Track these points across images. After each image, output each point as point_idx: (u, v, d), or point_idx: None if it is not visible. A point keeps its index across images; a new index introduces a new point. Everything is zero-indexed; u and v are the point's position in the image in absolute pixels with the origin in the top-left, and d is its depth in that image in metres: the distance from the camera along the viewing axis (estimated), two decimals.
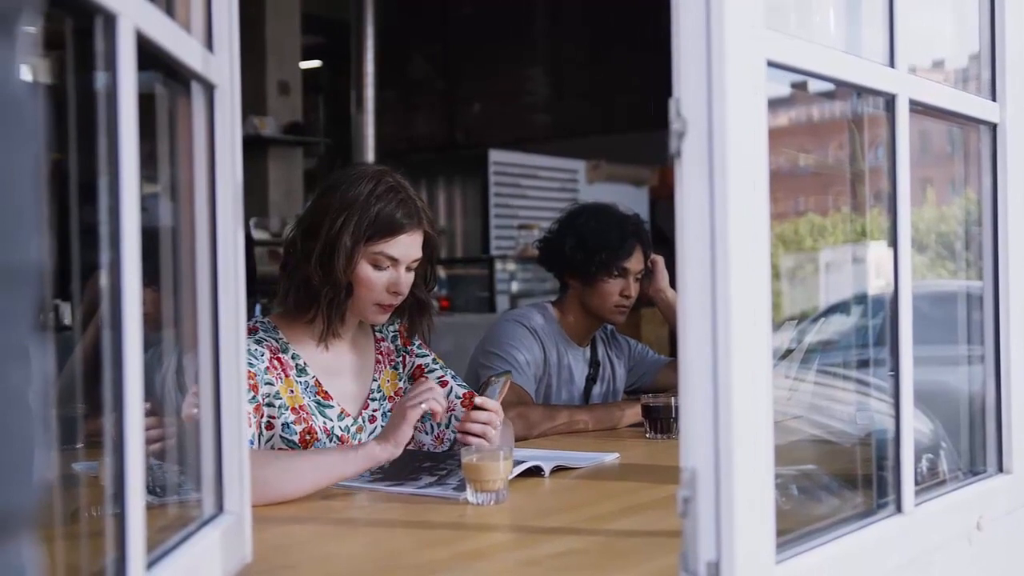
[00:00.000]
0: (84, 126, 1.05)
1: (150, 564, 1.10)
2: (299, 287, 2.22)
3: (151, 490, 1.27)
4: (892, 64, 1.53)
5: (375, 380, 2.37)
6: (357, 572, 1.56)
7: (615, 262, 3.01)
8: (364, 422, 2.31)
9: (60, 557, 1.17)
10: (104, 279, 1.02)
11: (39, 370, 0.60)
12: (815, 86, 1.58)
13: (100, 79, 1.03)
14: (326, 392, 2.26)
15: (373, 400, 2.35)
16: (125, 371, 1.02)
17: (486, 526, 1.78)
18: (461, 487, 1.93)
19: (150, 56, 1.12)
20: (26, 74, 0.59)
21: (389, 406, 2.35)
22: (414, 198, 2.25)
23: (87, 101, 1.05)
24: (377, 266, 2.21)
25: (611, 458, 2.37)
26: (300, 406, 2.20)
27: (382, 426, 2.30)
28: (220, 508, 1.38)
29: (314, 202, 2.26)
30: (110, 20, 1.00)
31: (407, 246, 2.22)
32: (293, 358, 2.24)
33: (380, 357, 2.40)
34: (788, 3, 1.62)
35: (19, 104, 0.57)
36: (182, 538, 1.25)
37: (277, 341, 2.23)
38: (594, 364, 3.17)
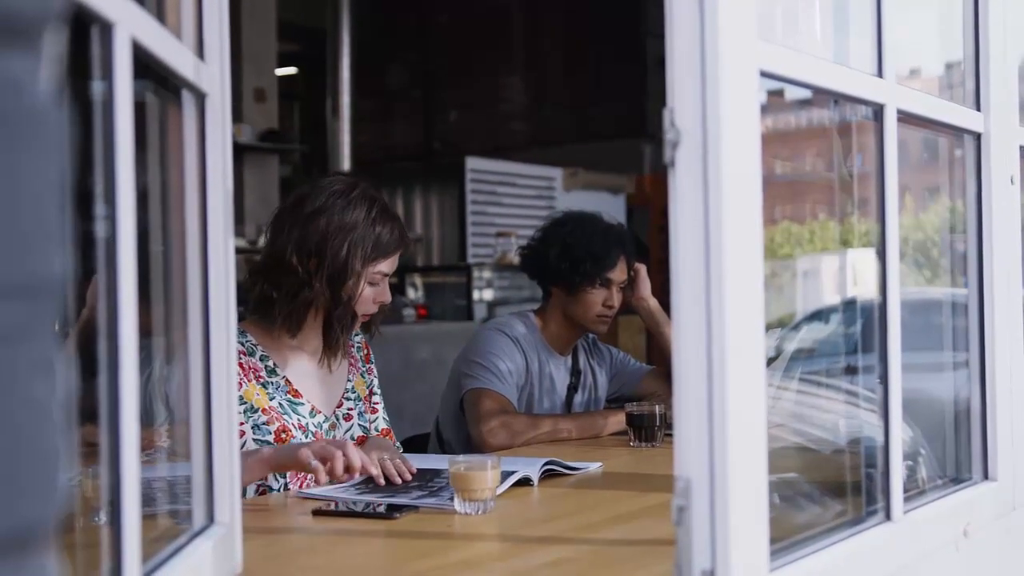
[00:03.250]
0: (78, 134, 1.04)
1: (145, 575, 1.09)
2: (303, 308, 2.28)
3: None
4: (880, 74, 1.53)
5: (349, 381, 2.45)
6: None
7: (599, 273, 3.01)
8: (339, 419, 2.39)
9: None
10: (100, 288, 1.01)
11: (61, 382, 0.59)
12: (791, 94, 1.59)
13: (95, 87, 1.02)
14: (296, 391, 2.32)
15: (348, 399, 2.43)
16: (120, 381, 1.01)
17: (475, 536, 1.78)
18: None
19: (142, 64, 1.11)
20: (50, 85, 0.59)
21: (363, 407, 2.46)
22: (397, 215, 2.39)
23: (81, 109, 1.04)
24: (372, 283, 2.32)
25: (595, 467, 2.37)
26: (270, 407, 2.26)
27: (359, 424, 2.43)
28: (211, 519, 1.37)
29: (304, 224, 2.27)
30: (107, 29, 0.99)
31: (396, 261, 2.36)
32: (262, 360, 2.30)
33: (352, 360, 2.48)
34: (775, 13, 1.63)
35: (45, 116, 0.57)
36: (174, 549, 1.24)
37: (243, 344, 2.26)
38: (575, 373, 3.17)
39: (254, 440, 2.21)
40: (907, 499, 1.58)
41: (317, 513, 1.89)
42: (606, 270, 3.02)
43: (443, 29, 10.29)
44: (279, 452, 2.03)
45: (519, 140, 9.81)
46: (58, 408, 0.59)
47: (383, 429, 2.46)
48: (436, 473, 2.19)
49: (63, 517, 1.31)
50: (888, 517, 1.53)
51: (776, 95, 1.52)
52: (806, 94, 1.60)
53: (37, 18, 0.57)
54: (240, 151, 7.45)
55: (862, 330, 1.81)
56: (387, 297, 2.35)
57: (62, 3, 0.60)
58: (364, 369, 2.52)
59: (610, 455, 2.57)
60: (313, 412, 2.32)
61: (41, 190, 0.56)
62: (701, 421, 1.17)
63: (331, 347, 2.33)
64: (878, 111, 1.54)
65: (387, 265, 2.32)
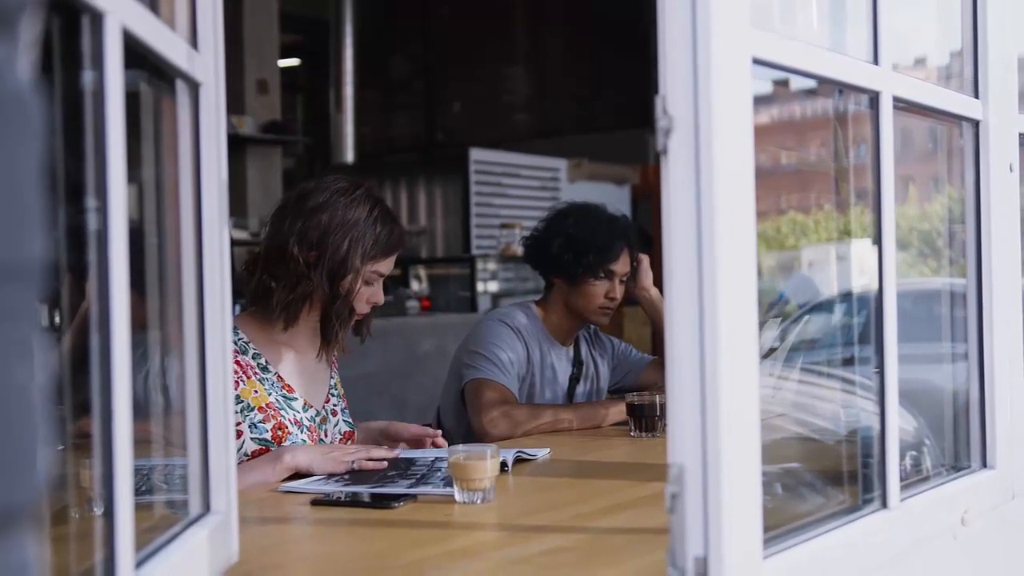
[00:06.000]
0: (68, 124, 1.04)
1: (138, 563, 1.09)
2: (300, 300, 2.30)
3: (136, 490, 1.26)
4: (876, 61, 1.53)
5: (332, 378, 2.50)
6: (345, 572, 1.56)
7: (602, 264, 3.00)
8: (328, 414, 2.43)
9: (47, 558, 1.16)
10: (91, 280, 1.02)
11: (41, 365, 0.60)
12: (797, 84, 1.59)
13: (86, 77, 1.03)
14: (289, 386, 2.35)
15: (333, 395, 2.47)
16: (113, 372, 1.01)
17: (473, 525, 1.78)
18: (449, 483, 1.92)
19: (135, 54, 1.12)
20: (27, 71, 0.59)
21: (344, 404, 2.50)
22: (397, 218, 2.42)
23: (72, 99, 1.04)
24: (367, 282, 2.34)
25: (544, 453, 2.40)
26: (267, 404, 2.28)
27: (344, 420, 2.47)
28: (207, 508, 1.38)
29: (306, 218, 2.29)
30: (97, 18, 0.99)
31: (392, 263, 2.39)
32: (254, 357, 2.32)
33: (333, 360, 2.52)
34: (771, 1, 1.63)
35: (22, 101, 0.57)
36: (169, 537, 1.25)
37: (235, 343, 2.27)
38: (577, 363, 3.17)
39: (252, 439, 2.23)
40: (904, 487, 1.58)
41: (315, 503, 1.90)
42: (609, 262, 3.01)
43: (445, 20, 10.29)
44: (312, 458, 2.14)
45: (522, 131, 9.81)
46: (38, 391, 0.59)
47: (346, 432, 2.48)
48: (411, 462, 2.21)
49: (60, 508, 1.32)
50: (884, 505, 1.53)
51: (782, 84, 1.52)
52: (812, 83, 1.60)
53: (14, 5, 0.57)
54: (243, 143, 7.45)
55: (865, 320, 1.81)
56: (380, 299, 2.38)
57: None
58: (337, 369, 2.57)
59: (610, 445, 2.57)
60: (306, 407, 2.36)
61: (19, 175, 0.57)
62: (694, 407, 1.17)
63: (328, 341, 2.35)
64: (874, 99, 1.53)
65: (384, 266, 2.35)
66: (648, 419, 2.67)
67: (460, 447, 1.97)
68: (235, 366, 2.24)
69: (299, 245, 2.27)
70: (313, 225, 2.28)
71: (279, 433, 2.25)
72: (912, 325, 1.83)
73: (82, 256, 1.03)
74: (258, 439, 2.23)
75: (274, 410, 2.27)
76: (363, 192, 2.34)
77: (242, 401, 2.23)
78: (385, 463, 2.17)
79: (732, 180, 1.19)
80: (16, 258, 0.57)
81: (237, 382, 2.23)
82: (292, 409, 2.31)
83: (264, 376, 2.30)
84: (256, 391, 2.27)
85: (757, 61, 1.26)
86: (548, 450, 2.43)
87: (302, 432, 2.30)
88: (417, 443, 2.44)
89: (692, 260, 1.18)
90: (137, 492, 1.14)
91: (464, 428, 2.93)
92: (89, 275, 1.03)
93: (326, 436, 2.39)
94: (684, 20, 1.17)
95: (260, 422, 2.24)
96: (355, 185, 2.36)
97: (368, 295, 2.35)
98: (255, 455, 2.22)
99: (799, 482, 1.70)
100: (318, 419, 2.38)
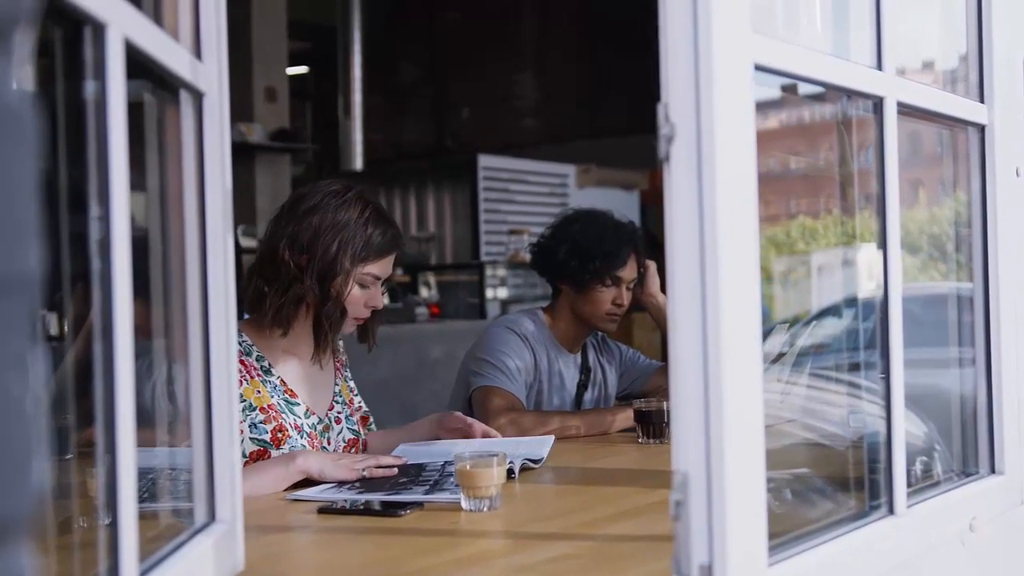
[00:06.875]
0: (71, 135, 1.05)
1: (143, 573, 1.09)
2: (293, 303, 2.30)
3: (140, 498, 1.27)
4: (880, 67, 1.53)
5: (336, 385, 2.49)
6: None
7: (609, 271, 3.00)
8: (331, 422, 2.43)
9: (52, 567, 1.17)
10: (95, 289, 1.02)
11: (36, 378, 0.60)
12: (804, 89, 1.59)
13: (88, 87, 1.03)
14: (292, 391, 2.35)
15: (337, 403, 2.47)
16: (116, 381, 1.01)
17: (480, 532, 1.78)
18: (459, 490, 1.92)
19: (138, 64, 1.12)
20: (23, 84, 0.59)
21: (349, 411, 2.49)
22: (393, 220, 2.41)
23: (75, 110, 1.04)
24: (362, 285, 2.34)
25: (548, 442, 2.43)
26: (269, 405, 2.29)
27: (348, 428, 2.46)
28: (212, 517, 1.38)
29: (298, 221, 2.31)
30: (99, 29, 1.00)
31: (389, 265, 2.38)
32: (258, 360, 2.33)
33: (338, 366, 2.52)
34: (775, 6, 1.63)
35: (17, 114, 0.57)
36: (175, 547, 1.25)
37: (240, 345, 2.27)
38: (585, 370, 3.17)
39: (251, 439, 2.23)
40: (912, 493, 1.58)
41: (322, 511, 1.90)
42: (616, 268, 3.01)
43: (454, 25, 10.29)
44: (322, 464, 2.13)
45: (531, 137, 9.80)
46: (33, 404, 0.59)
47: (350, 439, 2.48)
48: (421, 468, 2.21)
49: (66, 517, 1.32)
50: (891, 511, 1.53)
51: (790, 90, 1.52)
52: (821, 88, 1.60)
53: (8, 18, 0.57)
54: (251, 151, 7.46)
55: (873, 325, 1.80)
56: (378, 302, 2.37)
57: (33, 3, 0.60)
58: (346, 375, 2.56)
59: (617, 451, 2.57)
60: (308, 413, 2.36)
61: (14, 187, 0.57)
62: (698, 414, 1.17)
63: (320, 344, 2.35)
64: (877, 104, 1.53)
65: (378, 268, 2.34)
66: (656, 425, 2.66)
67: (467, 454, 1.97)
68: (239, 366, 2.25)
69: (290, 248, 2.28)
70: (304, 228, 2.29)
71: (279, 436, 2.26)
72: (921, 330, 1.82)
73: (90, 265, 1.04)
74: (257, 440, 2.24)
75: (275, 412, 2.27)
76: (355, 194, 2.34)
77: (244, 400, 2.24)
78: (395, 470, 2.17)
79: (734, 186, 1.19)
80: (11, 271, 0.57)
81: (240, 381, 2.23)
82: (293, 414, 2.31)
83: (267, 379, 2.31)
84: (259, 391, 2.28)
85: (759, 67, 1.26)
86: (552, 438, 2.44)
87: (302, 437, 2.30)
88: (465, 434, 2.46)
89: (695, 267, 1.17)
90: (141, 500, 1.14)
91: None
92: (94, 285, 1.03)
93: (329, 444, 2.38)
94: (685, 26, 1.17)
95: (261, 422, 2.24)
96: (347, 188, 2.36)
97: (366, 299, 2.34)
98: (253, 456, 2.22)
99: (807, 487, 1.69)
100: (320, 426, 2.38)
